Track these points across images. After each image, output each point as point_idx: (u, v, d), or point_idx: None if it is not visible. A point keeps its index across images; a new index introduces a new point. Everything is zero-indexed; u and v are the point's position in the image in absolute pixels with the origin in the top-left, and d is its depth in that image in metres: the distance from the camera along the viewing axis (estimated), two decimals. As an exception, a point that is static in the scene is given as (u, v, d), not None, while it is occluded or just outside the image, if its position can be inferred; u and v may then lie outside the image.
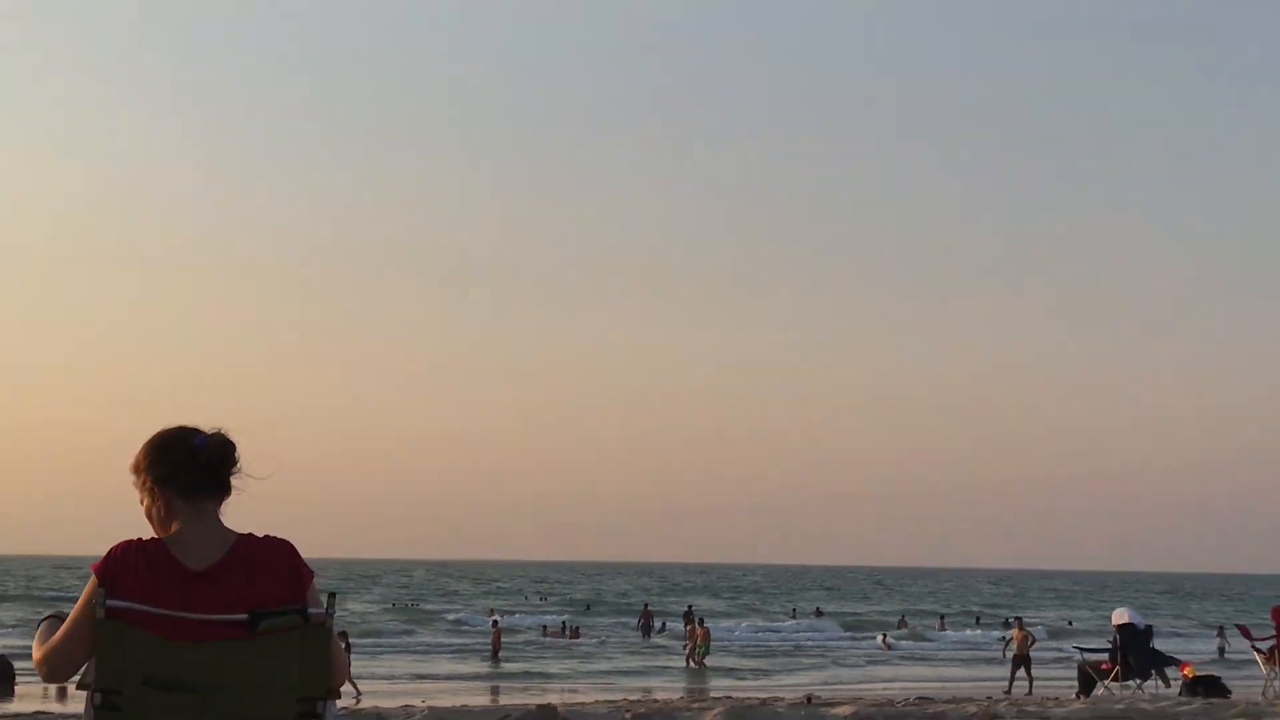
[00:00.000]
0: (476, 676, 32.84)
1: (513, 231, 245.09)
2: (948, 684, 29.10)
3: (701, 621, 38.03)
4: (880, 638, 51.61)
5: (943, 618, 65.83)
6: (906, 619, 64.13)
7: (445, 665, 36.85)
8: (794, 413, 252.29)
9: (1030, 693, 24.64)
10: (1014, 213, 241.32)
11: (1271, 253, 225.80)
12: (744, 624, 59.70)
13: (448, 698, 23.25)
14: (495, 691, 27.79)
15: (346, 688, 27.01)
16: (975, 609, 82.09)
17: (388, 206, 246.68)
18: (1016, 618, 33.68)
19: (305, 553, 4.31)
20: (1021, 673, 26.63)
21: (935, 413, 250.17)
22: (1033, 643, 27.73)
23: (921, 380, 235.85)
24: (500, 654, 38.38)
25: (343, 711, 7.36)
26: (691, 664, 35.88)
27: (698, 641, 36.34)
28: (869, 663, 40.73)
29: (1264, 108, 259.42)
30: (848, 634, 56.06)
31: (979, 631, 58.95)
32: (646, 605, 56.81)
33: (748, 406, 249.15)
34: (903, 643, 51.98)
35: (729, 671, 35.32)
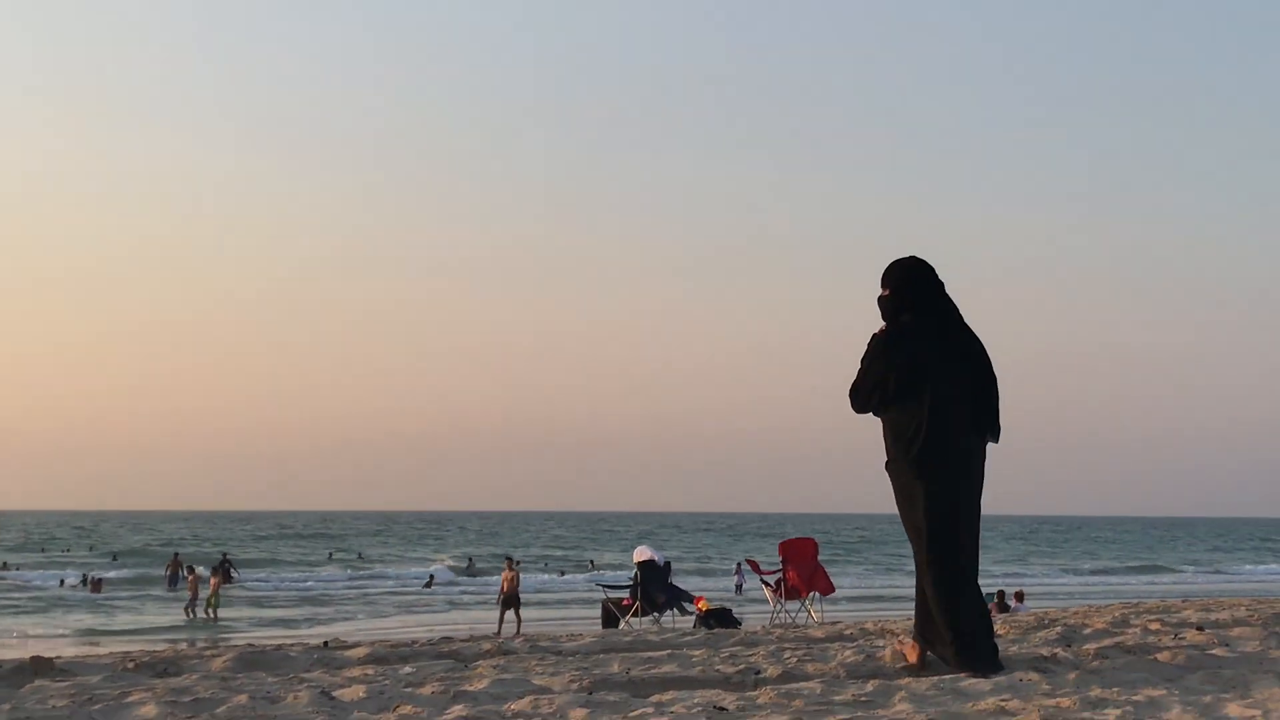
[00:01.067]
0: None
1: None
2: (481, 624, 29.55)
3: (215, 571, 37.28)
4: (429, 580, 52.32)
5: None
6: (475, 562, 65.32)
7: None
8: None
9: (518, 633, 25.40)
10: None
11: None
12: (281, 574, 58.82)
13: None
14: None
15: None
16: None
17: None
18: (506, 558, 34.38)
19: None
20: (511, 614, 27.74)
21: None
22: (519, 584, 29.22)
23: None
24: None
25: None
26: (195, 615, 34.93)
27: (207, 592, 35.46)
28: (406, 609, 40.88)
29: None
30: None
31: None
32: (176, 554, 55.00)
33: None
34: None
35: (266, 621, 34.80)
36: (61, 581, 50.24)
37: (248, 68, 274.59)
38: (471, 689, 6.57)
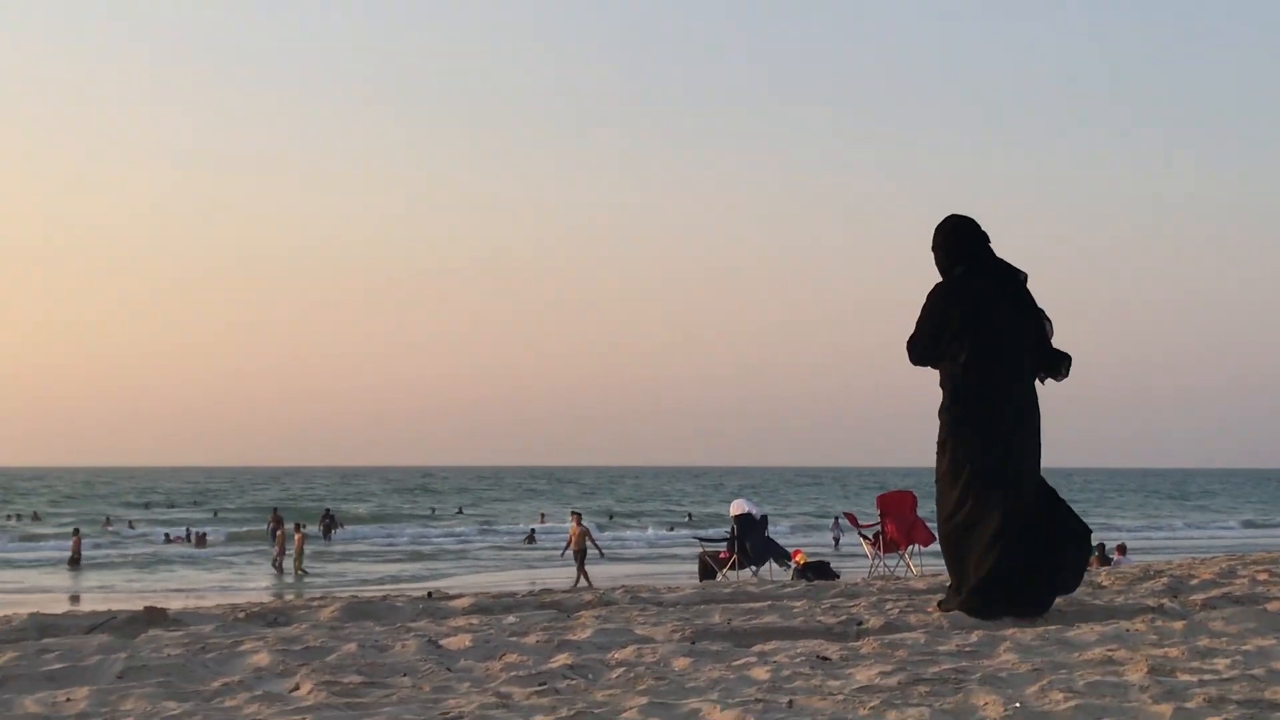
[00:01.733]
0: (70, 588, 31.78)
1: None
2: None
3: (299, 527, 37.66)
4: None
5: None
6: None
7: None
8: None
9: (575, 586, 25.53)
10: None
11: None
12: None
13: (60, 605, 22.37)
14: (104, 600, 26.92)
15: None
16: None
17: None
18: (573, 512, 34.34)
19: None
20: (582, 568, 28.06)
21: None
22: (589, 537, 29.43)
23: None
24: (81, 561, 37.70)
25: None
26: (284, 569, 35.18)
27: (294, 546, 35.68)
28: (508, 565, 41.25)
29: None
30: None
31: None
32: (275, 510, 55.94)
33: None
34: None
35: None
36: (167, 537, 51.31)
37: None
38: (575, 638, 6.62)
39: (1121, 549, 28.04)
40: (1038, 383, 8.06)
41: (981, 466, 7.80)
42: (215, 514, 71.27)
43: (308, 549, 36.72)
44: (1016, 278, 8.10)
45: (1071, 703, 4.84)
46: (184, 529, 53.73)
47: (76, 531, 42.08)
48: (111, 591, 30.20)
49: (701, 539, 28.09)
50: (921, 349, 8.08)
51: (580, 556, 28.89)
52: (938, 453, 8.02)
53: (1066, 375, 8.08)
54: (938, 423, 8.03)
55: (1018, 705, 4.84)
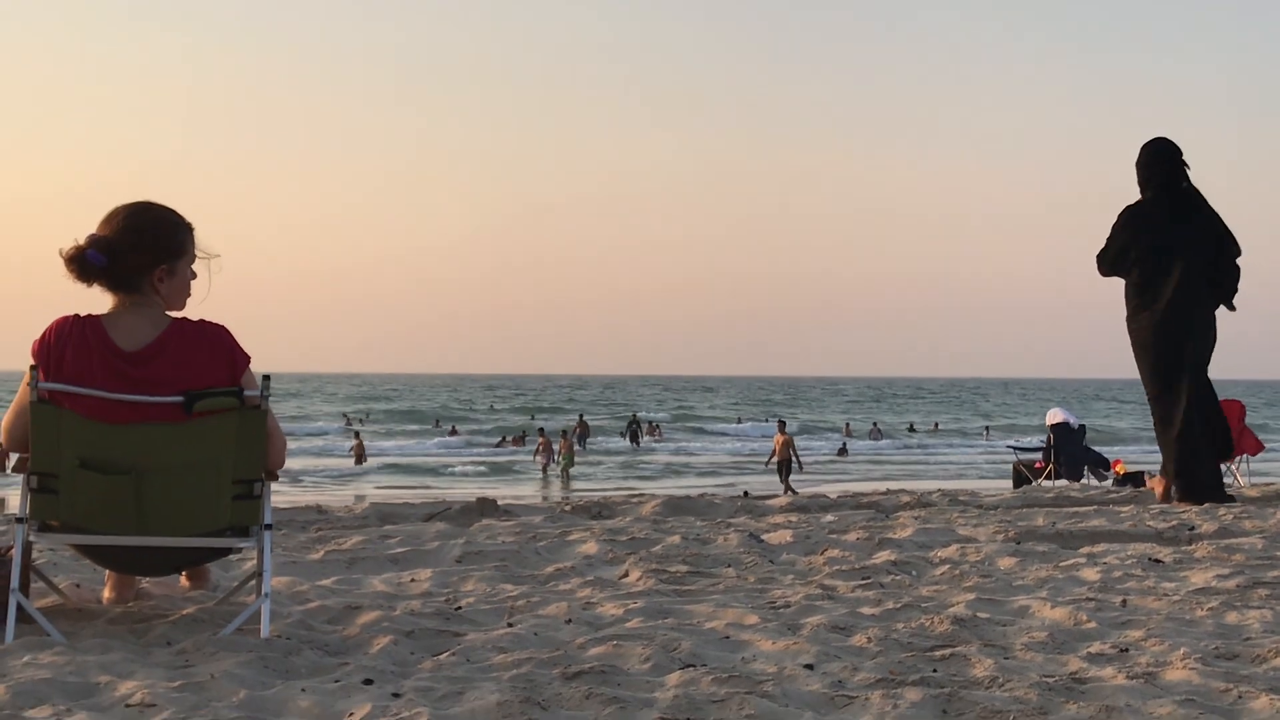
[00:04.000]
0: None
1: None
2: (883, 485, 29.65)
3: (565, 434, 38.07)
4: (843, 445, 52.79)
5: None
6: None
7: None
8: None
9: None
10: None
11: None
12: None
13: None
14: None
15: None
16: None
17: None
18: (780, 420, 33.65)
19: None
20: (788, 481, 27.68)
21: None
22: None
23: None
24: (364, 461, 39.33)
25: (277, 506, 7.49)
26: (549, 476, 35.71)
27: (557, 454, 36.11)
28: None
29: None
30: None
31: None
32: (582, 415, 57.35)
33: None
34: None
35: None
36: (503, 439, 53.31)
37: None
38: (896, 537, 6.62)
39: None
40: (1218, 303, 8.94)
41: (1159, 374, 8.82)
42: (533, 416, 73.47)
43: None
44: (1201, 206, 8.83)
45: None
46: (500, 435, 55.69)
47: (358, 434, 44.34)
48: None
49: (1018, 448, 27.58)
50: (1109, 263, 8.97)
51: (784, 468, 28.49)
52: (1136, 356, 8.98)
53: (1232, 303, 8.95)
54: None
55: (1370, 611, 4.62)
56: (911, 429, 69.13)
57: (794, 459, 29.16)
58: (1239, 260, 8.95)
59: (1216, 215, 8.88)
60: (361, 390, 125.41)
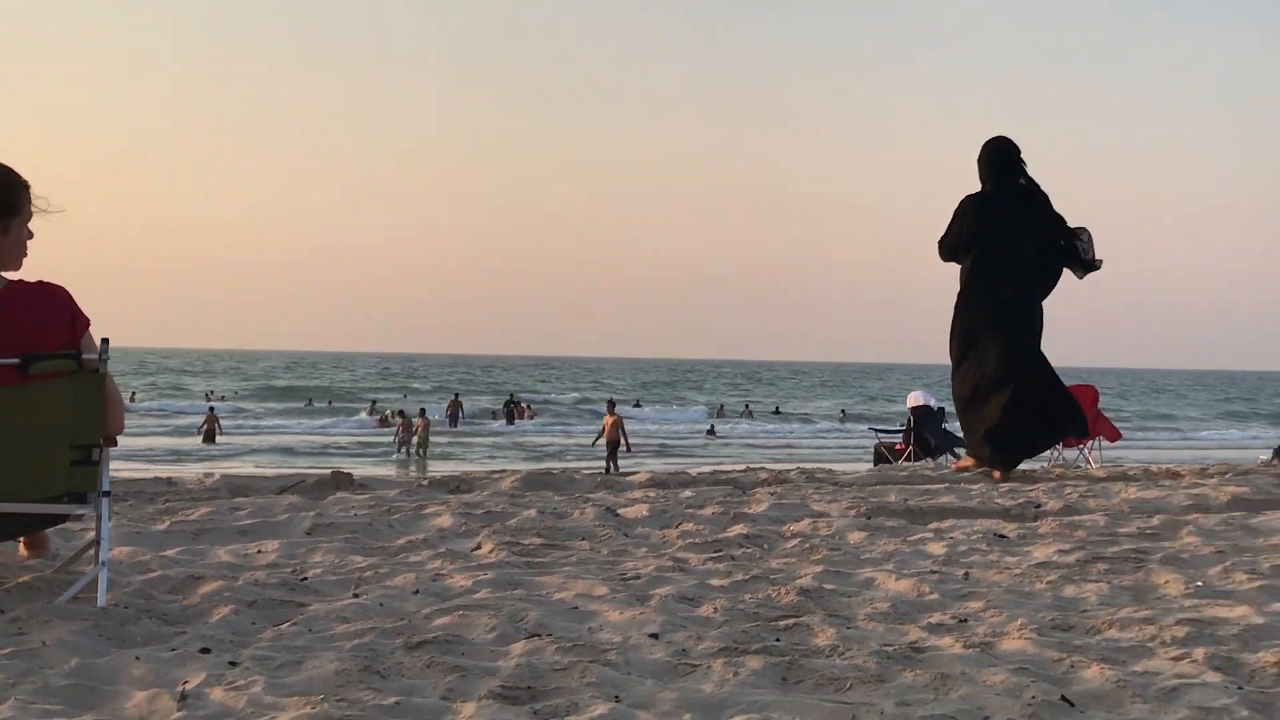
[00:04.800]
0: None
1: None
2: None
3: (423, 412, 37.76)
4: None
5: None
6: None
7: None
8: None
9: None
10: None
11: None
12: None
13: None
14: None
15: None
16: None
17: None
18: (610, 401, 33.67)
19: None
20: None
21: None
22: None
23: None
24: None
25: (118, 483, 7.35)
26: (408, 455, 35.15)
27: (415, 433, 35.67)
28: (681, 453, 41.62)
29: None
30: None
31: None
32: (456, 395, 57.05)
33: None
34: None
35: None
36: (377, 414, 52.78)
37: None
38: (750, 511, 6.67)
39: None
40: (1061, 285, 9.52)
41: (979, 352, 9.37)
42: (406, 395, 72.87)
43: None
44: (1034, 200, 9.44)
45: (1256, 584, 4.74)
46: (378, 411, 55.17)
47: (211, 409, 43.70)
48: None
49: (878, 430, 27.97)
50: (948, 249, 9.59)
51: (613, 448, 28.53)
52: (952, 332, 9.56)
53: (1094, 264, 9.46)
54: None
55: (1200, 584, 4.76)
56: (777, 411, 69.78)
57: (623, 440, 29.00)
58: (1094, 243, 9.50)
59: (1052, 209, 9.50)
60: (240, 368, 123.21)
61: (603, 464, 27.84)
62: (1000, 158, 9.53)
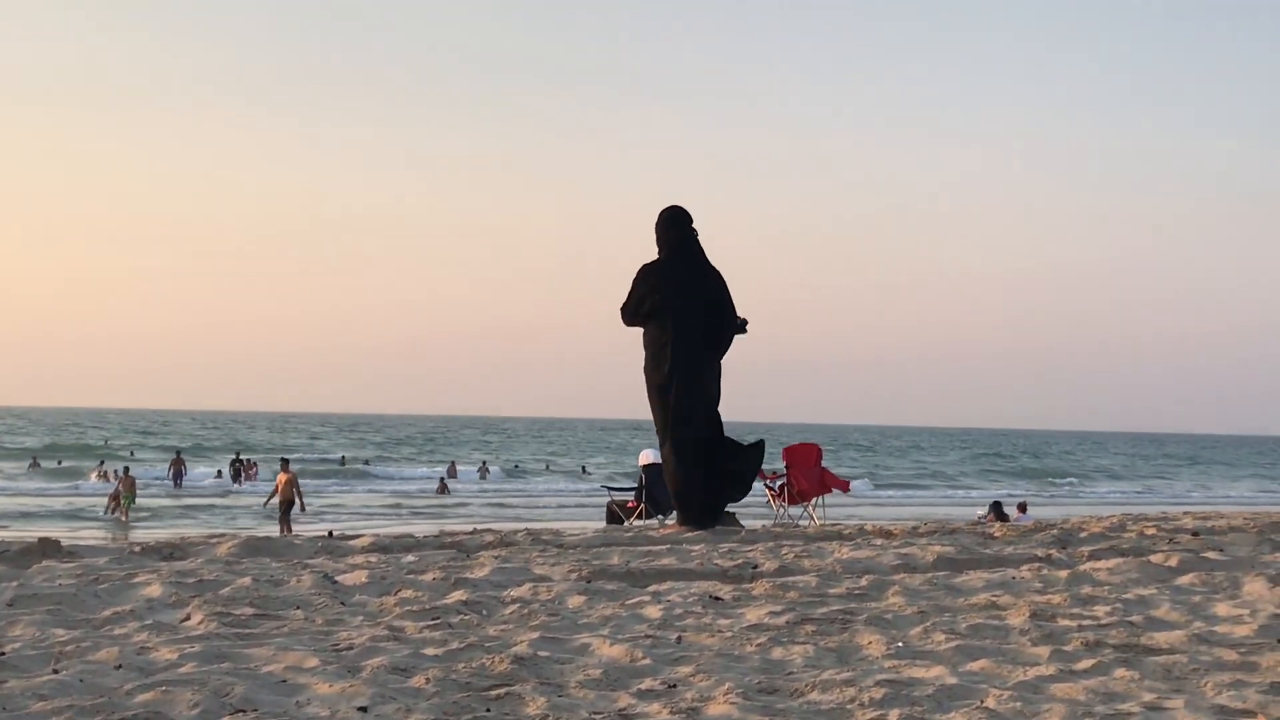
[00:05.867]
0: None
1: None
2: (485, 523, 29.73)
3: (127, 470, 36.60)
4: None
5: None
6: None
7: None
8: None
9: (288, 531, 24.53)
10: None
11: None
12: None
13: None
14: None
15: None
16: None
17: None
18: (282, 459, 33.02)
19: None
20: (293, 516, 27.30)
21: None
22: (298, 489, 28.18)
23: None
24: None
25: None
26: (114, 515, 33.55)
27: (121, 491, 34.44)
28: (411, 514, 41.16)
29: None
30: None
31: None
32: (179, 453, 55.33)
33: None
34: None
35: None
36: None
37: None
38: (472, 576, 6.66)
39: (1022, 507, 28.45)
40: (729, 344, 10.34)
41: (666, 411, 10.14)
42: (132, 454, 70.34)
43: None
44: (706, 268, 10.27)
45: (953, 643, 4.95)
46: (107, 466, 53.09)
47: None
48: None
49: (610, 488, 28.17)
50: (630, 314, 10.29)
51: (286, 507, 27.99)
52: (650, 397, 10.26)
53: (743, 331, 10.38)
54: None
55: (900, 644, 4.95)
56: (516, 468, 69.67)
57: (297, 498, 28.30)
58: (737, 315, 10.41)
59: (719, 276, 10.35)
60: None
61: (326, 528, 27.20)
62: (675, 226, 10.28)
